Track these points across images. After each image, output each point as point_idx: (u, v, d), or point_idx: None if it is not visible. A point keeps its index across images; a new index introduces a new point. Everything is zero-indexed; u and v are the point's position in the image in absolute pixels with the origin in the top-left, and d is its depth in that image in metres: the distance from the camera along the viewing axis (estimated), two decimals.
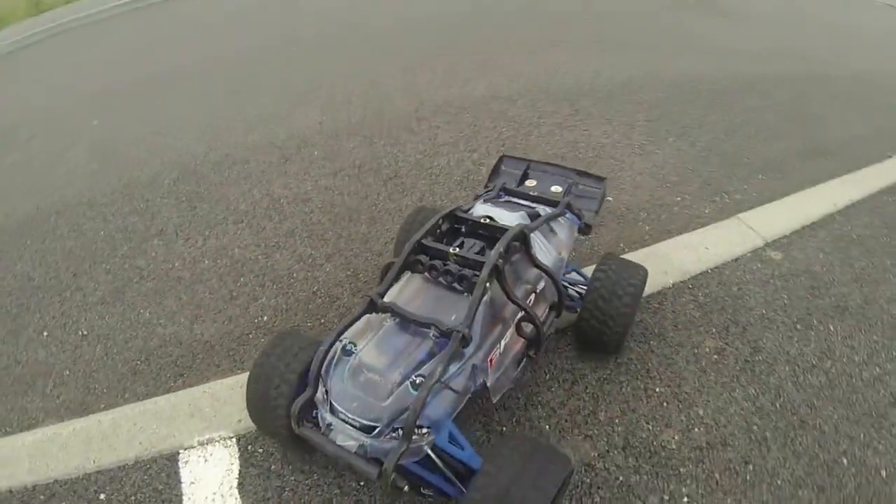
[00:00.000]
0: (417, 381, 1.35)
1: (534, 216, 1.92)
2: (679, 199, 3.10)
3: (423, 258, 1.59)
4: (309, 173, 3.32)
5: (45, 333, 2.52)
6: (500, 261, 1.49)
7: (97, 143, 4.23)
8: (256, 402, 1.58)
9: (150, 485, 1.81)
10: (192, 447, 1.90)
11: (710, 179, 3.34)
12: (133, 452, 1.93)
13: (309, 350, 1.55)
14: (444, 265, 1.56)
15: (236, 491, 1.73)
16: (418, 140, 3.61)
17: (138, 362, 2.28)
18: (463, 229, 1.79)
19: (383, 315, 1.51)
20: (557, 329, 1.99)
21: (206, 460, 1.85)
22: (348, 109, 4.11)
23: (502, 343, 1.56)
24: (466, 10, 6.54)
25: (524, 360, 1.71)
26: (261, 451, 1.84)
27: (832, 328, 2.41)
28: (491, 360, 1.51)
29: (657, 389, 1.99)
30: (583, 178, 2.27)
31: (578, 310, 1.91)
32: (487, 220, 1.75)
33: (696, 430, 1.87)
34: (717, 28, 6.35)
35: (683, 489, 1.70)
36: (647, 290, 2.38)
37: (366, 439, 1.30)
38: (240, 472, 1.79)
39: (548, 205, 2.05)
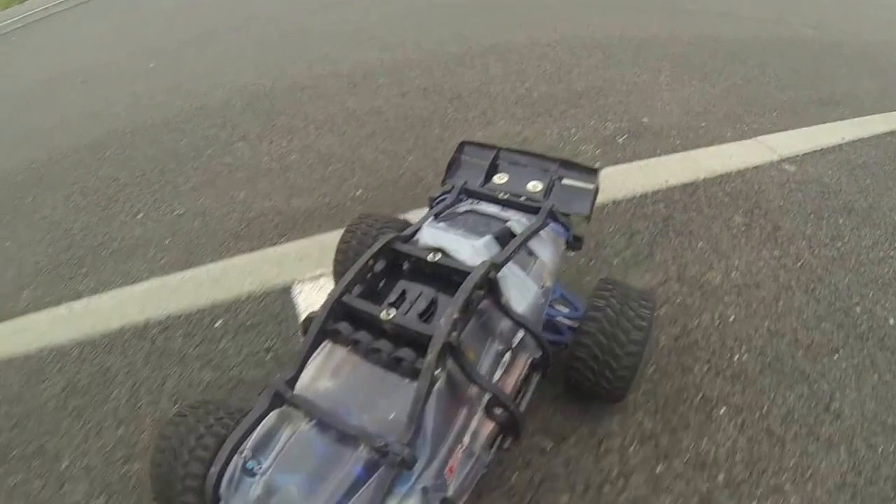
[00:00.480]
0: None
1: (504, 235, 1.40)
2: (704, 124, 3.46)
3: (343, 327, 1.14)
4: (378, 93, 3.66)
5: (140, 215, 2.77)
6: (455, 333, 1.05)
7: (158, 81, 4.52)
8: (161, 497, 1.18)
9: (266, 311, 2.04)
10: (304, 281, 2.12)
11: (730, 113, 3.69)
12: (246, 289, 2.12)
13: (227, 421, 1.19)
14: (374, 340, 1.11)
15: None
16: (473, 73, 3.93)
17: (239, 229, 2.52)
18: (405, 266, 1.30)
19: (296, 412, 1.07)
20: None
21: (319, 289, 2.08)
22: (404, 50, 4.45)
23: (467, 436, 1.11)
24: None
25: (497, 443, 1.22)
26: None
27: (841, 221, 2.76)
28: (451, 468, 1.05)
29: (699, 244, 2.34)
30: (569, 171, 1.72)
31: (567, 344, 1.48)
32: (438, 257, 1.25)
33: (734, 273, 2.22)
34: None
35: (729, 311, 2.05)
36: (683, 179, 2.76)
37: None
38: None
39: (524, 210, 1.54)
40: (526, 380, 1.30)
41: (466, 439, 1.10)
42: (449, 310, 1.06)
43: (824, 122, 3.87)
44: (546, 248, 1.46)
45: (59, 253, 2.64)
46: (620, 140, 3.09)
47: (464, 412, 1.10)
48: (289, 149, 3.10)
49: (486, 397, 1.14)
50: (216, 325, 2.05)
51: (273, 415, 1.07)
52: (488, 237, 1.36)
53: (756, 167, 3.04)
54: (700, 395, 1.73)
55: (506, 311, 1.21)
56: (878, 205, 3.01)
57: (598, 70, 4.09)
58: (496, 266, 1.20)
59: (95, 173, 3.24)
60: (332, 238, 2.25)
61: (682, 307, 2.02)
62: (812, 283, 2.28)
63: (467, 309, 1.11)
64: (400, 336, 1.09)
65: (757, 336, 1.97)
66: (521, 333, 1.26)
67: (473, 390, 1.13)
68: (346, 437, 1.00)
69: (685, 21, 5.50)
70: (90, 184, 3.16)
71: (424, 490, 0.99)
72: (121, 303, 2.24)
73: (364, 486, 0.95)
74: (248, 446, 1.03)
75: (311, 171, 2.87)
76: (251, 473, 1.01)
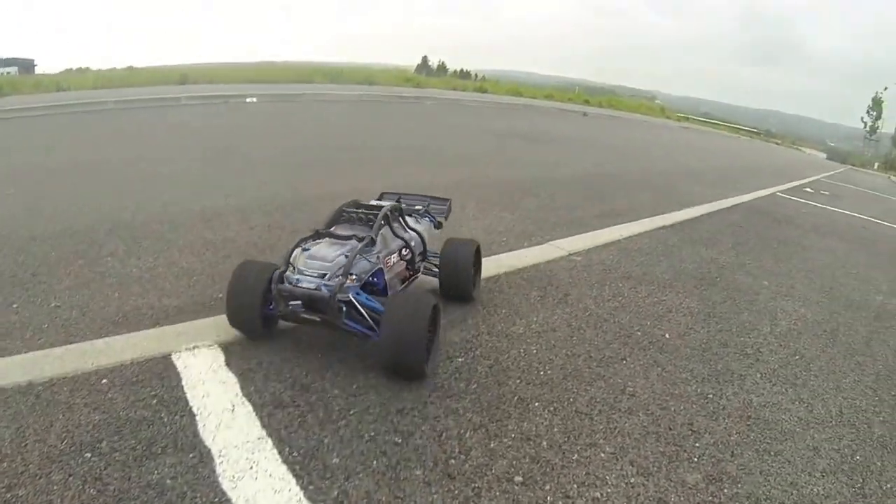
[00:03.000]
0: (348, 254, 2.70)
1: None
2: (504, 240, 4.84)
3: (346, 211, 3.12)
4: (229, 227, 4.25)
5: (15, 305, 3.09)
6: (389, 213, 3.08)
7: (19, 204, 4.97)
8: (237, 298, 2.72)
9: (150, 371, 2.53)
10: (181, 351, 2.69)
11: (525, 231, 5.17)
12: (129, 357, 2.62)
13: (265, 269, 2.76)
14: (357, 215, 3.08)
15: (224, 367, 2.59)
16: (307, 215, 4.90)
17: (117, 318, 3.01)
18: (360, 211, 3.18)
19: (322, 236, 2.89)
20: None
21: (195, 356, 2.66)
22: (246, 197, 5.07)
23: (392, 257, 3.02)
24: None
25: (407, 281, 3.19)
26: (239, 348, 2.75)
27: (621, 284, 4.07)
28: (386, 262, 2.94)
29: (503, 311, 3.40)
30: (435, 200, 3.91)
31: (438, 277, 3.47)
32: (376, 203, 3.30)
33: (534, 325, 3.27)
34: (530, 150, 9.03)
35: (532, 348, 3.02)
36: (487, 274, 3.89)
37: (320, 281, 2.59)
38: (225, 358, 2.65)
39: (416, 213, 3.64)
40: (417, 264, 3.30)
41: (392, 261, 2.99)
42: (385, 205, 3.13)
43: (607, 228, 5.44)
44: (424, 223, 3.54)
45: None
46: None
47: (389, 249, 3.00)
48: (155, 264, 3.78)
49: (400, 247, 3.09)
50: (103, 381, 2.47)
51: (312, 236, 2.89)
52: (394, 203, 3.33)
53: (548, 261, 4.37)
54: (516, 397, 2.61)
55: (404, 224, 3.29)
56: (651, 272, 4.41)
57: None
58: (401, 206, 3.33)
59: None
60: (204, 323, 2.97)
61: (493, 349, 2.99)
62: (599, 324, 3.42)
63: (391, 211, 3.14)
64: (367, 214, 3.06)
65: (557, 359, 2.97)
66: (413, 243, 3.19)
67: (394, 244, 3.06)
68: (346, 241, 2.79)
69: (490, 169, 7.54)
70: None
71: (377, 259, 2.85)
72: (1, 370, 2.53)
73: (356, 250, 2.70)
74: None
75: (178, 280, 3.56)
76: (306, 249, 2.73)
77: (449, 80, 37.57)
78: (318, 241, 2.83)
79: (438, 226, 3.71)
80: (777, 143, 51.26)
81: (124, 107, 13.09)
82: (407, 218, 3.37)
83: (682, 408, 2.68)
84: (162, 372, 2.60)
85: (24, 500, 1.91)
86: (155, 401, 2.39)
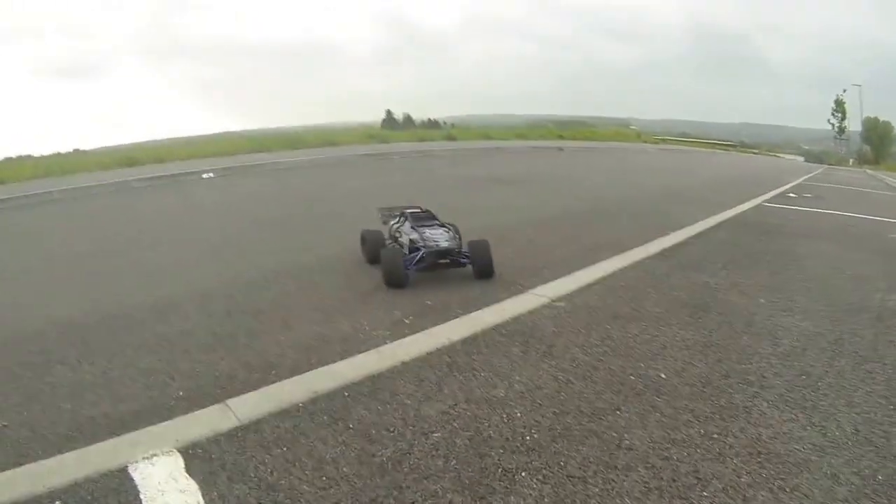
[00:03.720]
0: (448, 229, 5.55)
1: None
2: (480, 292, 4.74)
3: (412, 214, 5.86)
4: (187, 319, 4.12)
5: None
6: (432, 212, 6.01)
7: None
8: (392, 266, 4.97)
9: (105, 487, 2.42)
10: (137, 461, 2.58)
11: (504, 279, 5.11)
12: (83, 474, 2.51)
13: (398, 250, 5.44)
14: (417, 214, 5.90)
15: (185, 474, 2.46)
16: (271, 292, 4.81)
17: (70, 433, 2.89)
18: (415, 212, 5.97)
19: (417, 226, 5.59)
20: None
21: (153, 464, 2.55)
22: (207, 281, 5.05)
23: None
24: None
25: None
26: (200, 450, 2.64)
27: (609, 326, 4.01)
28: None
29: (482, 374, 3.31)
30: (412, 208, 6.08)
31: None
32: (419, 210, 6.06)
33: (516, 385, 3.17)
34: (504, 193, 9.09)
35: (515, 411, 2.91)
36: (464, 335, 3.82)
37: (449, 242, 5.26)
38: (185, 464, 2.54)
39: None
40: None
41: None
42: (427, 210, 6.11)
43: (591, 265, 5.40)
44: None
45: None
46: (407, 321, 4.20)
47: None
48: (109, 367, 3.67)
49: (448, 230, 5.65)
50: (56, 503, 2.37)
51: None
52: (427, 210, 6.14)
53: (530, 311, 4.32)
54: (500, 469, 2.50)
55: (439, 221, 5.83)
56: (640, 307, 4.38)
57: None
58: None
59: None
60: (163, 427, 2.88)
61: (472, 418, 2.89)
62: (589, 373, 3.35)
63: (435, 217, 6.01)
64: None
65: (544, 420, 2.88)
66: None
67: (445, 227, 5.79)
68: (430, 225, 5.70)
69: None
70: None
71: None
72: None
73: (454, 229, 5.68)
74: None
75: (134, 383, 3.44)
76: (422, 232, 5.50)
77: (416, 132, 37.92)
78: (419, 227, 5.44)
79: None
80: (755, 153, 54.00)
81: (71, 196, 13.03)
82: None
83: (685, 454, 2.58)
84: (118, 486, 2.49)
85: None
86: None
